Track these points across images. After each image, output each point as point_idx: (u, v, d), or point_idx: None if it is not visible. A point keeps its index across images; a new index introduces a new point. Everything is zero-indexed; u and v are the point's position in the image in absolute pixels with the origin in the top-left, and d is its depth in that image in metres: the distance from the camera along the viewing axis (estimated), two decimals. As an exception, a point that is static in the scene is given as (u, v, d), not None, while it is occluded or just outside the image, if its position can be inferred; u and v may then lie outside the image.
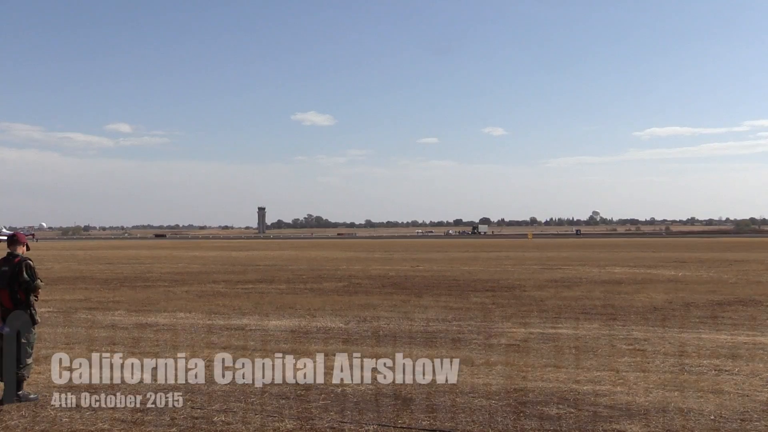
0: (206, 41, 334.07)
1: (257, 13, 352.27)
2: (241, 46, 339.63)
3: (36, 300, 9.20)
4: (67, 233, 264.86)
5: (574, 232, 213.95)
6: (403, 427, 7.69)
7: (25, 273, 9.07)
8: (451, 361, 11.36)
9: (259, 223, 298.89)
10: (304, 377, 10.32)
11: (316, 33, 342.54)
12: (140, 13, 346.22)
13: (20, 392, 8.95)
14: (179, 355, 12.23)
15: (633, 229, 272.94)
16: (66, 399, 9.04)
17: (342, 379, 10.13)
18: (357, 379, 10.13)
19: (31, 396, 9.04)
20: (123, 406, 8.69)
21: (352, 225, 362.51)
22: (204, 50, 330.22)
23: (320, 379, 10.13)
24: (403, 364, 11.20)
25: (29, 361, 9.04)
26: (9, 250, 9.28)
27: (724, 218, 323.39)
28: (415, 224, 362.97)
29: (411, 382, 9.97)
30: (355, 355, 12.11)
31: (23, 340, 8.99)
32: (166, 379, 10.24)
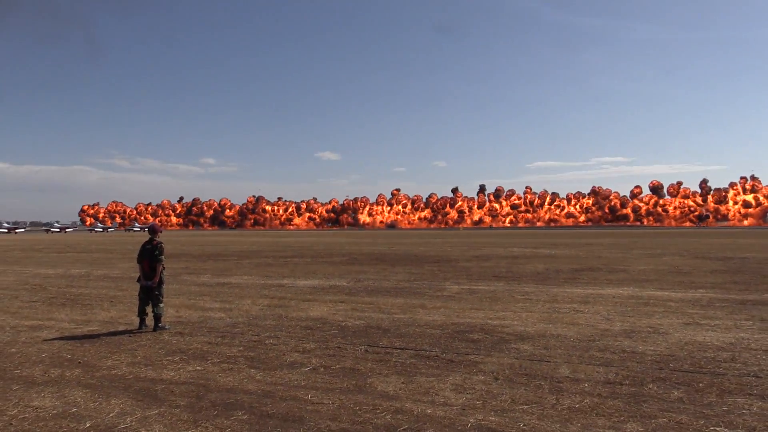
0: (268, 101, 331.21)
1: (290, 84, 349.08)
2: (285, 105, 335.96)
3: (163, 269, 9.19)
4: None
5: (489, 227, 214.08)
6: (383, 347, 7.76)
7: (156, 250, 9.12)
8: (413, 306, 11.48)
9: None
10: (321, 316, 10.39)
11: (334, 99, 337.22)
12: (221, 77, 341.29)
13: (160, 324, 8.99)
14: (244, 302, 12.28)
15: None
16: (174, 329, 9.08)
17: (345, 317, 10.21)
18: (353, 317, 10.21)
19: (166, 327, 9.07)
20: (209, 334, 8.73)
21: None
22: (261, 107, 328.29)
23: (331, 318, 10.20)
24: (383, 308, 11.33)
25: (161, 305, 9.06)
26: (150, 236, 9.32)
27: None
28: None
29: (388, 318, 10.08)
30: (353, 302, 12.20)
31: (156, 292, 9.03)
32: (236, 317, 10.28)
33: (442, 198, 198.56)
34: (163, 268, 9.18)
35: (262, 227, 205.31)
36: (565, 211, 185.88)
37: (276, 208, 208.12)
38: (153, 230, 9.45)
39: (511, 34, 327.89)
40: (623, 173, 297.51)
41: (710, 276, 17.34)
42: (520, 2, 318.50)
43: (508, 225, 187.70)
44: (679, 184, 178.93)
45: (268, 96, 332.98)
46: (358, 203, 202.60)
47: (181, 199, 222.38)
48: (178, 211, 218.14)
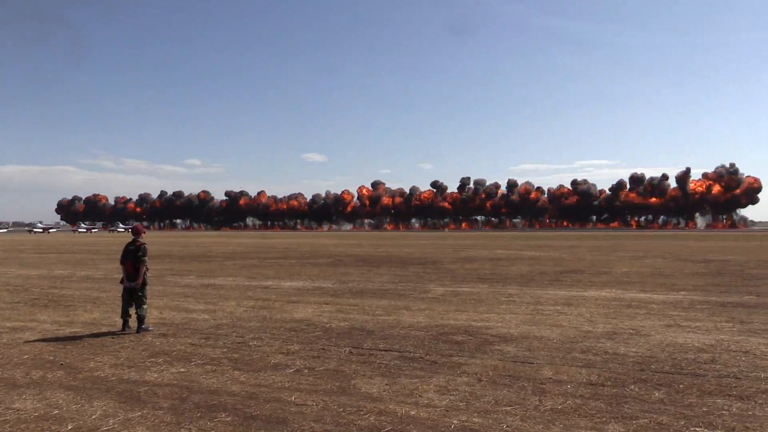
0: (254, 103, 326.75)
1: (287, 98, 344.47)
2: (273, 112, 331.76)
3: (147, 270, 9.13)
4: (162, 229, 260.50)
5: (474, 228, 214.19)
6: (368, 348, 7.76)
7: (140, 252, 9.05)
8: (397, 308, 11.48)
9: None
10: (306, 318, 10.35)
11: (326, 105, 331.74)
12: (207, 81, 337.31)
13: (143, 326, 8.95)
14: (229, 303, 12.20)
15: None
16: (158, 331, 8.99)
17: (329, 319, 10.18)
18: (338, 319, 10.19)
19: (150, 328, 9.03)
20: (193, 336, 8.66)
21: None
22: (247, 109, 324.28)
23: (316, 319, 10.17)
24: (367, 310, 11.31)
25: (145, 306, 9.03)
26: (133, 237, 9.25)
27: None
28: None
29: (372, 320, 10.07)
30: (337, 304, 12.17)
31: (140, 294, 8.97)
32: (221, 319, 10.20)
33: (426, 191, 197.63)
34: (147, 269, 9.11)
35: (244, 227, 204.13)
36: (549, 212, 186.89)
37: (258, 204, 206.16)
38: (136, 231, 9.38)
39: (499, 39, 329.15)
40: (608, 176, 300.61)
41: (692, 278, 17.57)
42: (507, 6, 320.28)
43: (490, 227, 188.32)
44: (665, 177, 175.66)
45: (255, 97, 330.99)
46: (341, 198, 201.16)
47: (163, 194, 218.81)
48: (158, 206, 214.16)
